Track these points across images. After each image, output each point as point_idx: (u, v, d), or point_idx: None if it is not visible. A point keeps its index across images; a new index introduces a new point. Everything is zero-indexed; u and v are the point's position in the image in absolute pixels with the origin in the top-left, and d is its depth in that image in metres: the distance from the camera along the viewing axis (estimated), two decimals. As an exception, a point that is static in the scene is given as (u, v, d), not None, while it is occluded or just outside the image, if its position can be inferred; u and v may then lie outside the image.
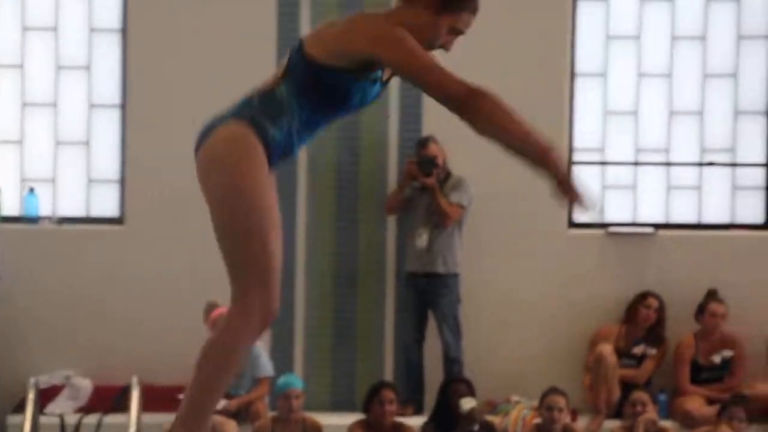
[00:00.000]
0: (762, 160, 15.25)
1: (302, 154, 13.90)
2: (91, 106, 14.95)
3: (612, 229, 14.79)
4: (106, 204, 15.02)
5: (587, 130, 15.15)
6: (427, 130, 14.33)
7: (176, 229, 14.36)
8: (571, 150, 14.85)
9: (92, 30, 14.93)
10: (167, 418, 11.32)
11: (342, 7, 13.95)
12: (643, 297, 14.21)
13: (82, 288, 14.38)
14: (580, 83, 15.15)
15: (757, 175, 15.31)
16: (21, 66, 14.96)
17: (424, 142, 14.12)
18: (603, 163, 15.19)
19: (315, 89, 5.98)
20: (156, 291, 14.36)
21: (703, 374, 14.12)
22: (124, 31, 14.77)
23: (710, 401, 13.77)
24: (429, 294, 14.16)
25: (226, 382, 5.97)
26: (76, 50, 14.97)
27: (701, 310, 14.07)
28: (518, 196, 14.10)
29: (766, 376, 14.24)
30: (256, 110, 5.90)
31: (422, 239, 14.00)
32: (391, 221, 14.75)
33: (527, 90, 13.53)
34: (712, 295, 14.17)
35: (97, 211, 15.12)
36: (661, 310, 14.19)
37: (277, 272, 5.97)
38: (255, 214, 5.84)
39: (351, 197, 14.81)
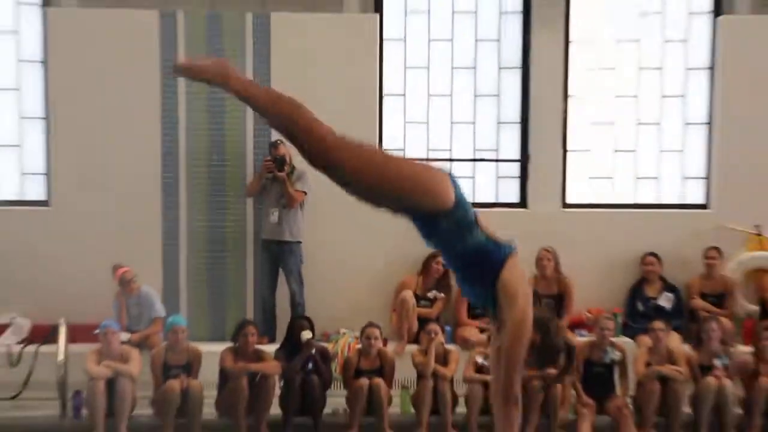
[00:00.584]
0: (517, 157, 16.91)
1: (183, 152, 16.04)
2: (21, 118, 16.38)
3: None
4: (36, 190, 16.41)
5: (392, 136, 16.69)
6: (275, 134, 15.01)
7: (92, 209, 15.91)
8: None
9: (19, 60, 16.37)
10: (87, 348, 13.84)
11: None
12: (433, 256, 15.46)
13: (21, 252, 15.82)
14: (386, 101, 16.69)
15: (513, 168, 16.94)
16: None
17: (275, 144, 15.60)
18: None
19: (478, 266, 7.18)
20: (75, 255, 15.80)
21: (476, 311, 15.33)
22: (46, 62, 16.19)
23: (481, 330, 15.02)
24: (279, 256, 15.70)
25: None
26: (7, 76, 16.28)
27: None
28: None
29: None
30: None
31: (274, 216, 15.64)
32: (250, 202, 16.08)
33: (348, 107, 15.54)
34: None
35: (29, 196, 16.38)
36: (443, 265, 15.38)
37: None
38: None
39: (220, 184, 16.18)
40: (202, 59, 6.88)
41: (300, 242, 15.90)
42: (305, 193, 15.80)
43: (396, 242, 15.14)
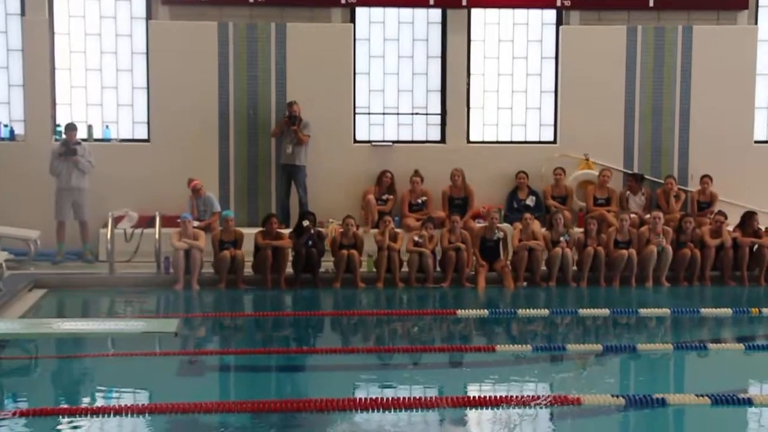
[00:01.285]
0: (439, 111, 16.18)
1: (231, 109, 15.43)
2: (134, 88, 15.76)
3: (374, 144, 15.78)
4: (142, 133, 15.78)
5: (360, 100, 16.07)
6: (290, 96, 15.30)
7: (175, 144, 15.48)
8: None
9: (133, 53, 15.74)
10: (172, 230, 13.50)
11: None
12: (383, 173, 15.31)
13: (133, 170, 15.37)
14: (357, 78, 16.00)
15: (437, 119, 16.26)
16: None
17: (291, 104, 15.05)
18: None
19: None
20: (164, 172, 15.37)
21: (413, 208, 15.20)
22: (148, 54, 15.60)
23: (417, 219, 14.77)
24: (292, 174, 15.20)
25: None
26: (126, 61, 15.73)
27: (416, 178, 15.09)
28: (329, 125, 15.47)
29: (441, 209, 15.09)
30: None
31: (289, 149, 15.11)
32: (274, 141, 15.57)
33: (332, 82, 15.58)
34: (416, 172, 15.20)
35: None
36: (392, 178, 15.26)
37: None
38: None
39: (253, 129, 15.66)
40: None
41: (305, 166, 15.37)
42: (309, 136, 15.25)
43: (360, 165, 15.66)
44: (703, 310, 12.24)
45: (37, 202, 14.70)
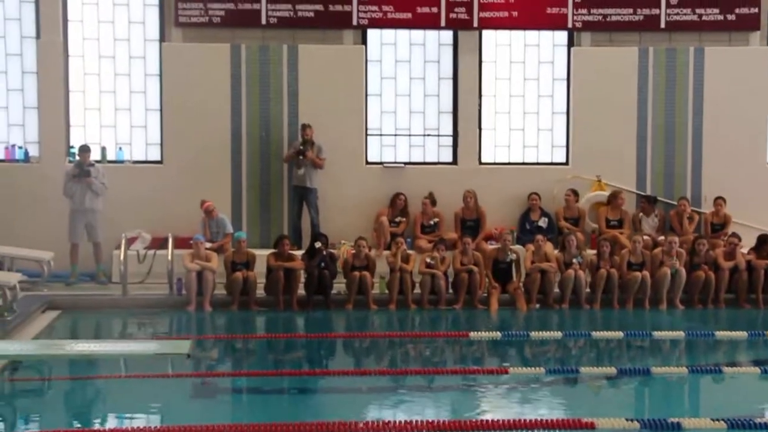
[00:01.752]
0: (450, 133, 16.18)
1: (243, 132, 15.51)
2: (147, 109, 15.82)
3: (386, 165, 15.79)
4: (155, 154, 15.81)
5: (372, 121, 16.05)
6: (302, 119, 15.34)
7: (188, 166, 15.55)
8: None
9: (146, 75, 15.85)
10: (185, 252, 13.54)
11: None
12: (396, 195, 15.31)
13: (146, 191, 15.39)
14: (369, 99, 15.99)
15: (449, 140, 16.25)
16: None
17: (304, 126, 15.07)
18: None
19: None
20: (177, 193, 15.35)
21: (426, 229, 15.22)
22: (161, 76, 15.70)
23: (429, 241, 14.67)
24: (304, 195, 15.21)
25: None
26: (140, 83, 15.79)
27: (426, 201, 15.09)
28: (341, 146, 15.50)
29: (453, 230, 15.15)
30: None
31: (301, 171, 15.13)
32: (286, 165, 15.56)
33: (344, 103, 15.69)
34: (430, 195, 15.26)
35: None
36: (405, 200, 15.28)
37: None
38: None
39: (266, 151, 15.67)
40: None
41: (317, 188, 15.48)
42: (324, 159, 15.33)
43: (372, 186, 15.73)
44: (718, 333, 12.11)
45: (51, 223, 14.76)
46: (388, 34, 15.92)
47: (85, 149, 14.72)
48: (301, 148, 15.01)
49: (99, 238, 14.67)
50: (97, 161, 15.09)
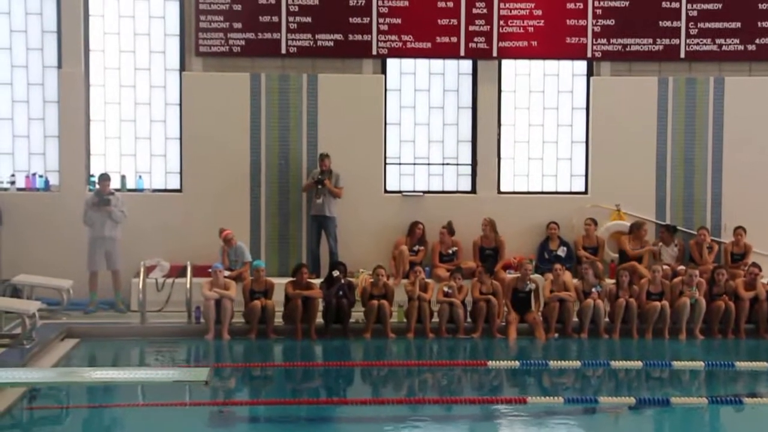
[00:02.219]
0: (469, 162, 16.18)
1: (263, 161, 15.52)
2: (167, 138, 15.88)
3: (405, 194, 15.76)
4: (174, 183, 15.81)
5: (390, 150, 16.12)
6: (321, 148, 15.41)
7: (207, 194, 15.54)
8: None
9: (167, 104, 15.88)
10: (203, 280, 13.53)
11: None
12: (415, 224, 15.26)
13: (166, 220, 15.39)
14: (388, 129, 16.00)
15: (467, 169, 16.23)
16: None
17: (323, 157, 15.16)
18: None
19: None
20: (196, 222, 15.35)
21: (444, 258, 15.17)
22: (181, 105, 15.71)
23: (448, 270, 14.55)
24: (323, 225, 15.23)
25: None
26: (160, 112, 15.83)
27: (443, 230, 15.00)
28: (360, 175, 15.51)
29: (472, 259, 15.13)
30: None
31: (320, 200, 15.11)
32: (305, 195, 15.55)
33: (364, 132, 15.69)
34: (448, 224, 15.20)
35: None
36: (423, 229, 15.19)
37: None
38: None
39: (285, 180, 15.69)
40: None
41: (335, 216, 15.45)
42: (342, 188, 15.41)
43: (391, 215, 15.70)
44: (738, 364, 11.99)
45: (71, 251, 14.76)
46: (408, 63, 15.95)
47: (105, 178, 14.77)
48: (320, 177, 15.05)
49: (118, 265, 14.67)
50: (117, 190, 15.16)
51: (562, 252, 15.44)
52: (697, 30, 15.88)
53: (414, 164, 16.14)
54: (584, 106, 16.25)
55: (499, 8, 15.77)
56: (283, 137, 15.78)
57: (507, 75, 16.16)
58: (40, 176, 15.72)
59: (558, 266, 14.21)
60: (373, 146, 15.87)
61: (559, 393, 10.78)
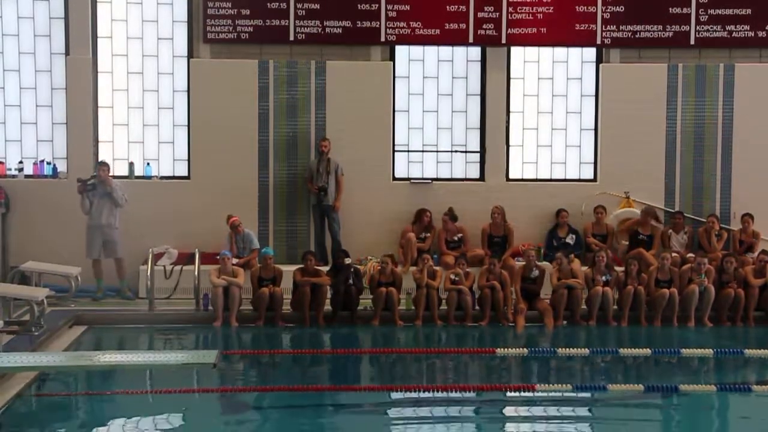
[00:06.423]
0: (478, 149, 16.13)
1: (271, 151, 15.52)
2: (175, 125, 15.86)
3: (413, 181, 15.77)
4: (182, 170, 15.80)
5: (399, 137, 16.10)
6: (329, 134, 15.36)
7: (215, 182, 15.52)
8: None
9: (175, 91, 15.86)
10: (211, 267, 13.49)
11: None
12: (421, 211, 15.27)
13: (174, 207, 15.45)
14: (397, 115, 15.95)
15: (476, 157, 16.17)
16: None
17: (322, 139, 15.28)
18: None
19: None
20: (204, 209, 15.32)
21: (450, 245, 15.06)
22: (188, 91, 15.68)
23: (455, 258, 14.38)
24: (326, 213, 15.27)
25: None
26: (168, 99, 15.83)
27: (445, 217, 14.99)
28: (368, 162, 15.50)
29: (480, 247, 15.11)
30: None
31: (325, 193, 15.10)
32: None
33: (372, 118, 15.62)
34: (449, 211, 15.15)
35: None
36: (431, 216, 15.18)
37: None
38: None
39: (292, 172, 15.66)
40: None
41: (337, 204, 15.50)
42: (343, 175, 15.47)
43: (399, 202, 15.68)
44: (747, 351, 11.96)
45: (79, 238, 14.69)
46: (416, 50, 15.88)
47: (101, 164, 14.87)
48: (322, 185, 15.24)
49: (118, 254, 14.67)
50: (125, 177, 15.29)
51: (570, 239, 15.41)
52: (707, 16, 15.81)
53: (422, 151, 16.13)
54: (593, 93, 16.23)
55: (508, -6, 15.78)
56: (290, 125, 15.78)
57: (516, 62, 16.10)
58: (48, 163, 15.75)
59: (559, 255, 14.19)
60: (382, 133, 15.83)
61: (567, 380, 10.76)
